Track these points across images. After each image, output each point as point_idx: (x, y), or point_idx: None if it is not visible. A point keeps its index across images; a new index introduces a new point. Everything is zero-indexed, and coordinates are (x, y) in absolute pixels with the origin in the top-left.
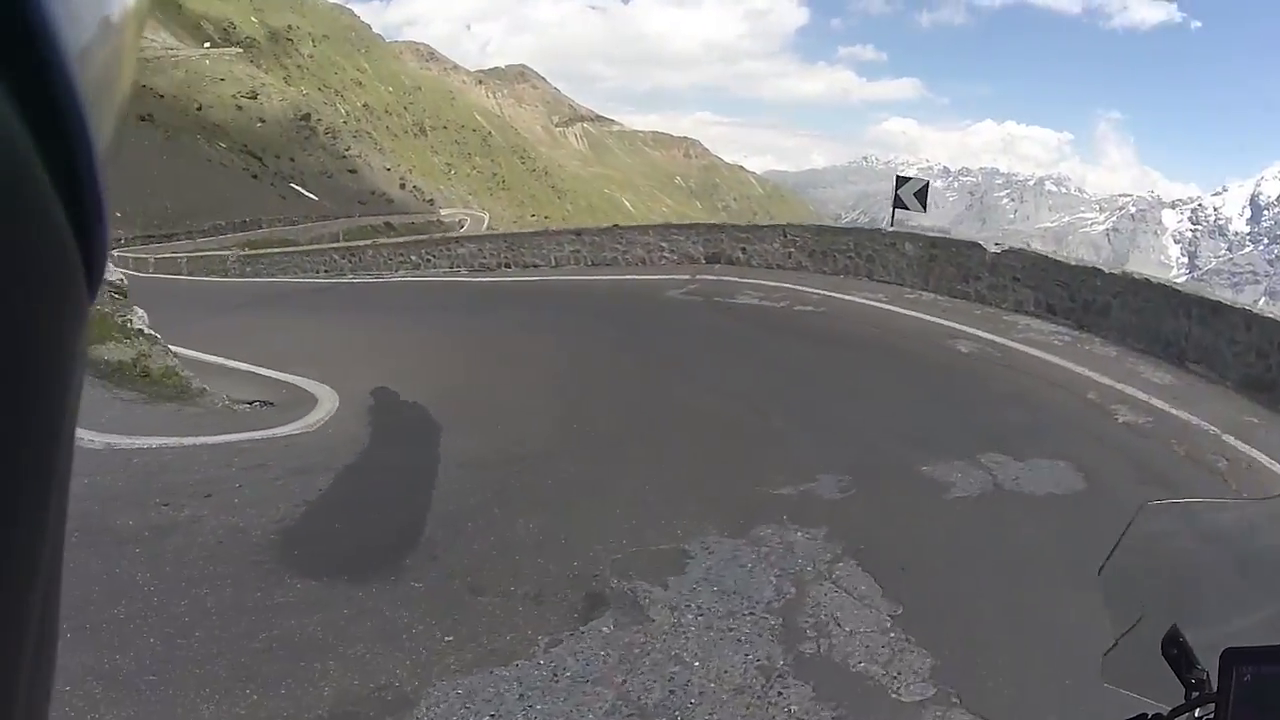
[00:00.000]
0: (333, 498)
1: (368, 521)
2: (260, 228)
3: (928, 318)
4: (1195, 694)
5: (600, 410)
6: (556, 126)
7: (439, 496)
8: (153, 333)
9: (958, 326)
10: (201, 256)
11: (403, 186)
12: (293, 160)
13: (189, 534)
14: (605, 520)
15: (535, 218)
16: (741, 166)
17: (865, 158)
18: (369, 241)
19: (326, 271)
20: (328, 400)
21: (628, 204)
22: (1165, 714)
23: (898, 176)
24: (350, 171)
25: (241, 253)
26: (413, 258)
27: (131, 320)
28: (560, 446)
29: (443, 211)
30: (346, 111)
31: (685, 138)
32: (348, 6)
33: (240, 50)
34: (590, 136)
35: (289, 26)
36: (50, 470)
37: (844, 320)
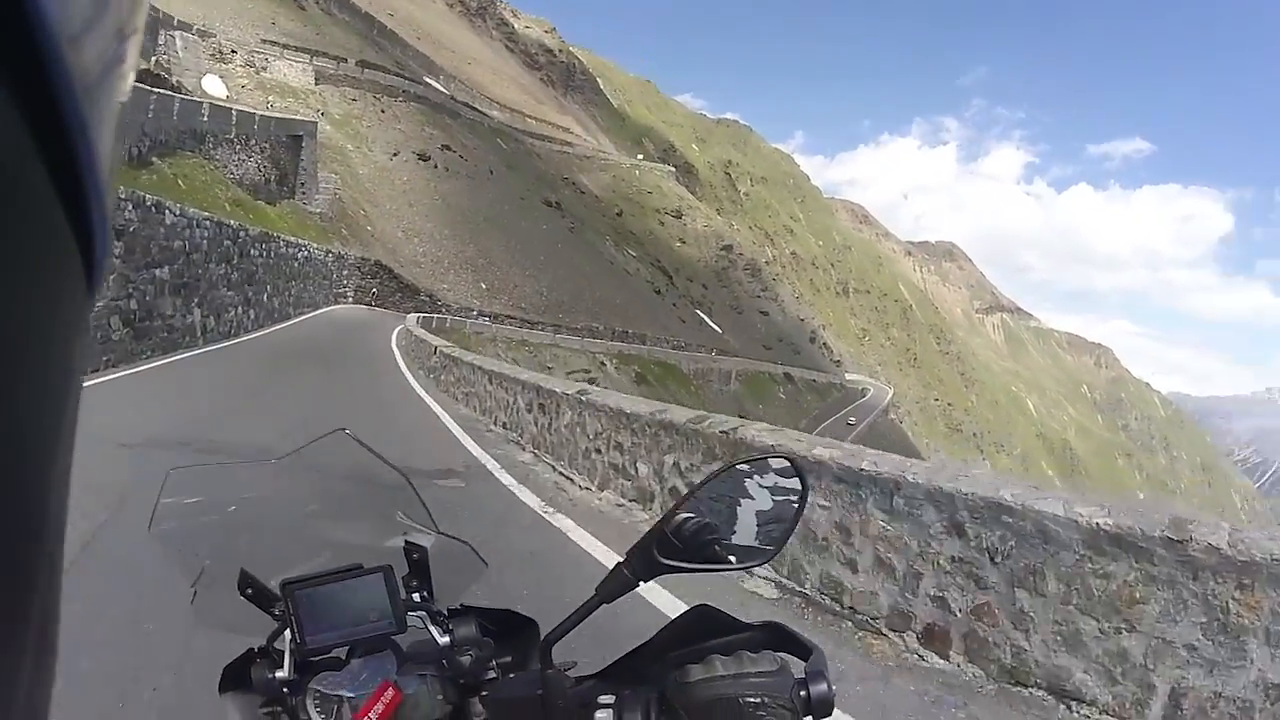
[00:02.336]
0: None
1: None
2: (642, 343)
3: None
4: (279, 622)
5: None
6: (977, 312)
7: None
8: None
9: None
10: (524, 345)
11: (812, 340)
12: (705, 287)
13: None
14: None
15: (939, 403)
16: (1149, 384)
17: (1269, 389)
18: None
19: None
20: None
21: (1031, 406)
22: (266, 643)
23: None
24: (762, 313)
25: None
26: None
27: None
28: None
29: (848, 375)
30: (773, 255)
31: (1099, 344)
32: (791, 154)
33: (674, 170)
34: (1007, 328)
35: (729, 162)
36: (50, 470)
37: None
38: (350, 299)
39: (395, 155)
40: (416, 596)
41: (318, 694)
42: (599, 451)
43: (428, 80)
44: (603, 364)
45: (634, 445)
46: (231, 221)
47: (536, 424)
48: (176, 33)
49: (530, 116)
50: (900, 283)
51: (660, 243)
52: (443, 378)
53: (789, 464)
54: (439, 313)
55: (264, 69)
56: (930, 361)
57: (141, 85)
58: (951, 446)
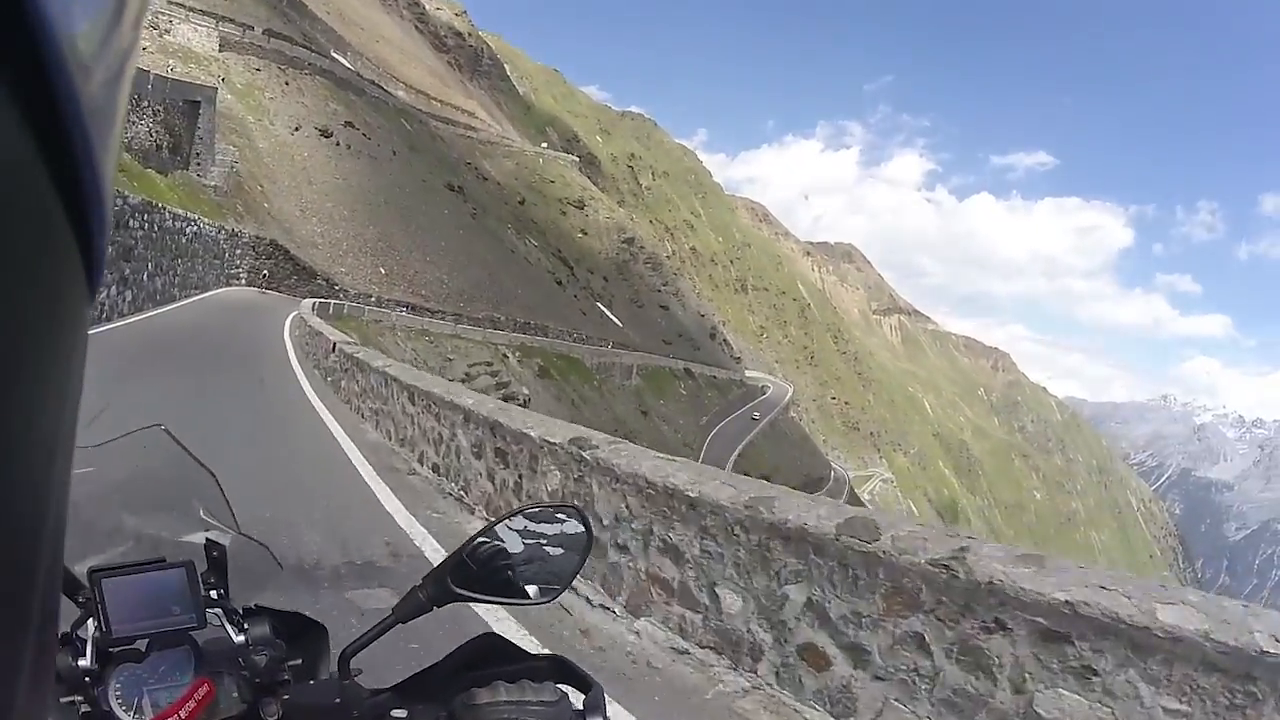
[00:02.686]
0: None
1: None
2: (544, 335)
3: None
4: (82, 609)
5: None
6: (874, 313)
7: None
8: None
9: None
10: (424, 335)
11: (713, 337)
12: (605, 280)
13: None
14: None
15: (836, 401)
16: (1045, 389)
17: (1165, 396)
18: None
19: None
20: None
21: (928, 406)
22: (70, 629)
23: None
24: (662, 307)
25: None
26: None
27: None
28: None
29: (748, 372)
30: (673, 250)
31: (996, 349)
32: (694, 149)
33: (577, 160)
34: (905, 330)
35: (632, 155)
36: (50, 470)
37: None
38: (243, 280)
39: (297, 130)
40: (214, 594)
41: (119, 685)
42: (622, 549)
43: (334, 55)
44: (505, 356)
45: (704, 552)
46: None
47: (494, 479)
48: None
49: (435, 99)
50: (799, 281)
51: (562, 233)
52: (344, 384)
53: (577, 512)
54: (336, 298)
55: (167, 31)
56: (828, 360)
57: None
58: (849, 445)
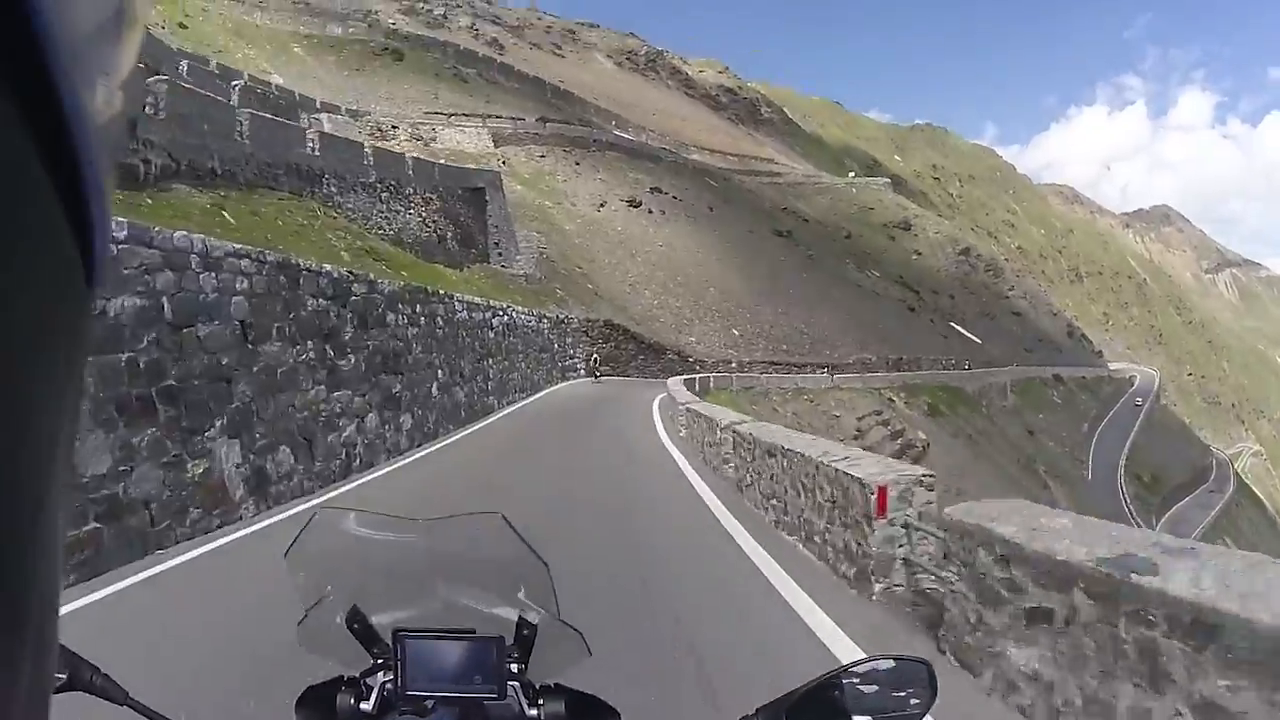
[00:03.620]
0: None
1: None
2: (917, 368)
3: None
4: (379, 660)
5: None
6: (1205, 273)
7: None
8: None
9: None
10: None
11: (1070, 335)
12: (952, 298)
13: None
14: None
15: (1191, 377)
16: None
17: None
18: None
19: None
20: None
21: None
22: (358, 675)
23: None
24: (1014, 314)
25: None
26: None
27: None
28: None
29: (1111, 365)
30: (1005, 253)
31: None
32: (989, 147)
33: (889, 181)
34: (1240, 284)
35: (934, 166)
36: (50, 471)
37: None
38: (581, 371)
39: (603, 206)
40: (514, 667)
41: None
42: None
43: (617, 132)
44: (890, 400)
45: None
46: (334, 268)
47: None
48: (322, 115)
49: (730, 154)
50: (1129, 257)
51: (896, 258)
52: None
53: (928, 670)
54: (691, 371)
55: (432, 140)
56: (1174, 335)
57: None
58: (1212, 421)
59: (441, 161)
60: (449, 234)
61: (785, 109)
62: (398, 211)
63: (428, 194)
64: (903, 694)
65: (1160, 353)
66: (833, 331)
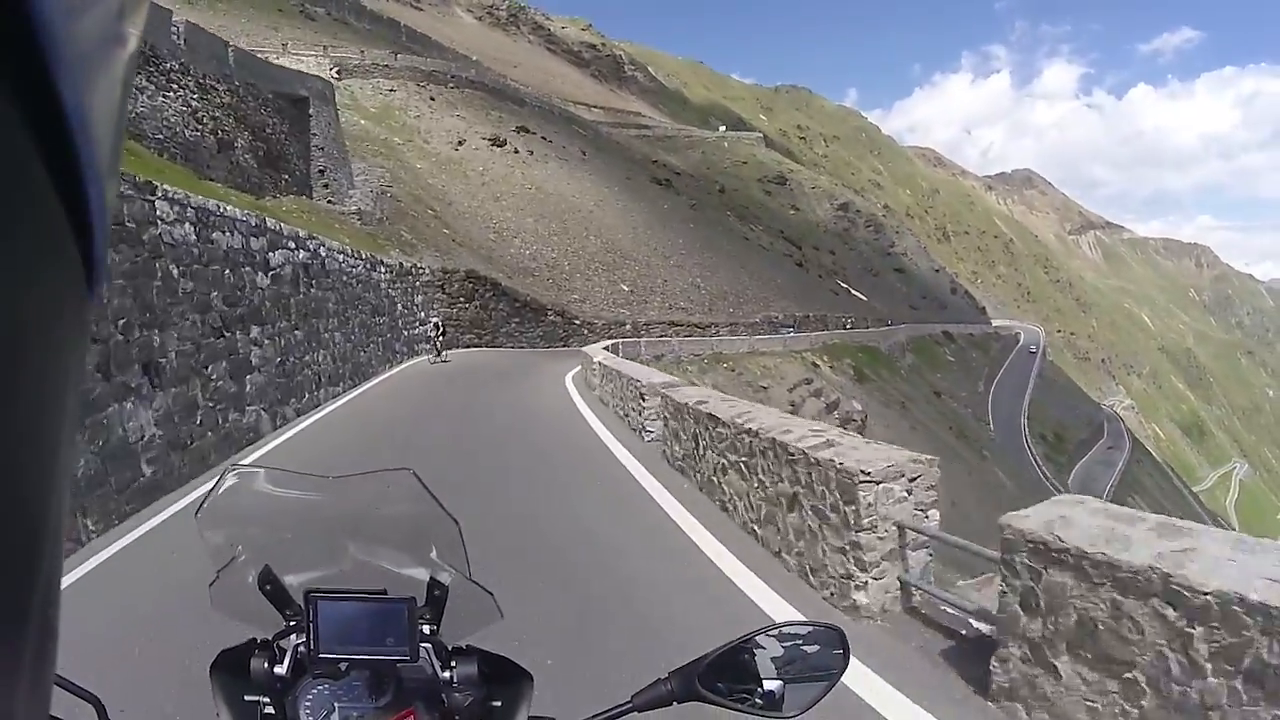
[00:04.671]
0: None
1: None
2: (824, 327)
3: None
4: (291, 622)
5: None
6: (1069, 234)
7: None
8: None
9: None
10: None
11: (953, 291)
12: (833, 253)
13: None
14: None
15: (1061, 334)
16: (1252, 276)
17: None
18: None
19: None
20: None
21: (1147, 319)
22: (270, 638)
23: None
24: (897, 270)
25: None
26: None
27: None
28: None
29: (995, 322)
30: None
31: (1194, 244)
32: (854, 109)
33: (762, 136)
34: (1103, 245)
35: (799, 126)
36: (50, 470)
37: None
38: (431, 343)
39: (461, 144)
40: (426, 629)
41: (310, 698)
42: None
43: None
44: (815, 365)
45: None
46: None
47: None
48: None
49: (596, 106)
50: (995, 218)
51: (775, 213)
52: None
53: (840, 635)
54: (582, 336)
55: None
56: (1043, 293)
57: None
58: (1085, 376)
59: (243, 46)
60: (239, 143)
61: (649, 67)
62: (146, 90)
63: (212, 81)
64: (816, 658)
65: (1030, 310)
66: (734, 287)
